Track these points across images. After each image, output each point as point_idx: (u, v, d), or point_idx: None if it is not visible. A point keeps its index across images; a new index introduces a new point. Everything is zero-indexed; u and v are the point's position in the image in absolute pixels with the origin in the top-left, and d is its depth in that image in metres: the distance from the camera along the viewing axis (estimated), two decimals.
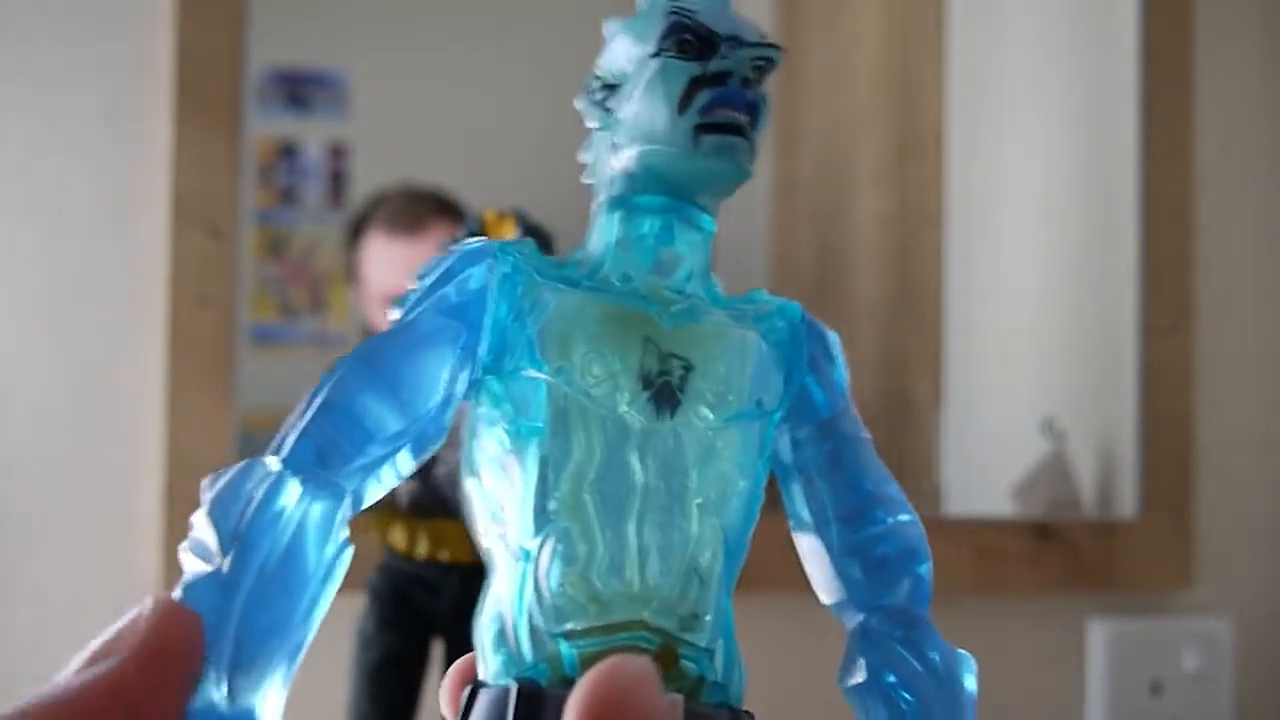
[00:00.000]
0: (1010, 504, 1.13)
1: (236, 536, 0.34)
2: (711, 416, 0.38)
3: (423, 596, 0.72)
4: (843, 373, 0.42)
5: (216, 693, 0.33)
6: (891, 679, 0.38)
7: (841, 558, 0.40)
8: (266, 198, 1.13)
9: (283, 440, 0.36)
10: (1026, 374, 1.20)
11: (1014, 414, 1.18)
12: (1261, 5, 1.16)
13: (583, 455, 0.37)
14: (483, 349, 0.38)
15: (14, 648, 0.92)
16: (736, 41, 0.39)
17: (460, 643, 0.72)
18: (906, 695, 0.38)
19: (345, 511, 0.36)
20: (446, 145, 1.17)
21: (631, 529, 0.37)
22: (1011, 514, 1.11)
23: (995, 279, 1.21)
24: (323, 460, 0.36)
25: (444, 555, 0.70)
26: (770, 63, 0.40)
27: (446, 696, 0.38)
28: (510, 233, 0.68)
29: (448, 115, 1.18)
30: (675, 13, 0.39)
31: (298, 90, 1.14)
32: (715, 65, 0.39)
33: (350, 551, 0.36)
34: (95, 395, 0.94)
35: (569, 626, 0.35)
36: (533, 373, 0.38)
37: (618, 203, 0.40)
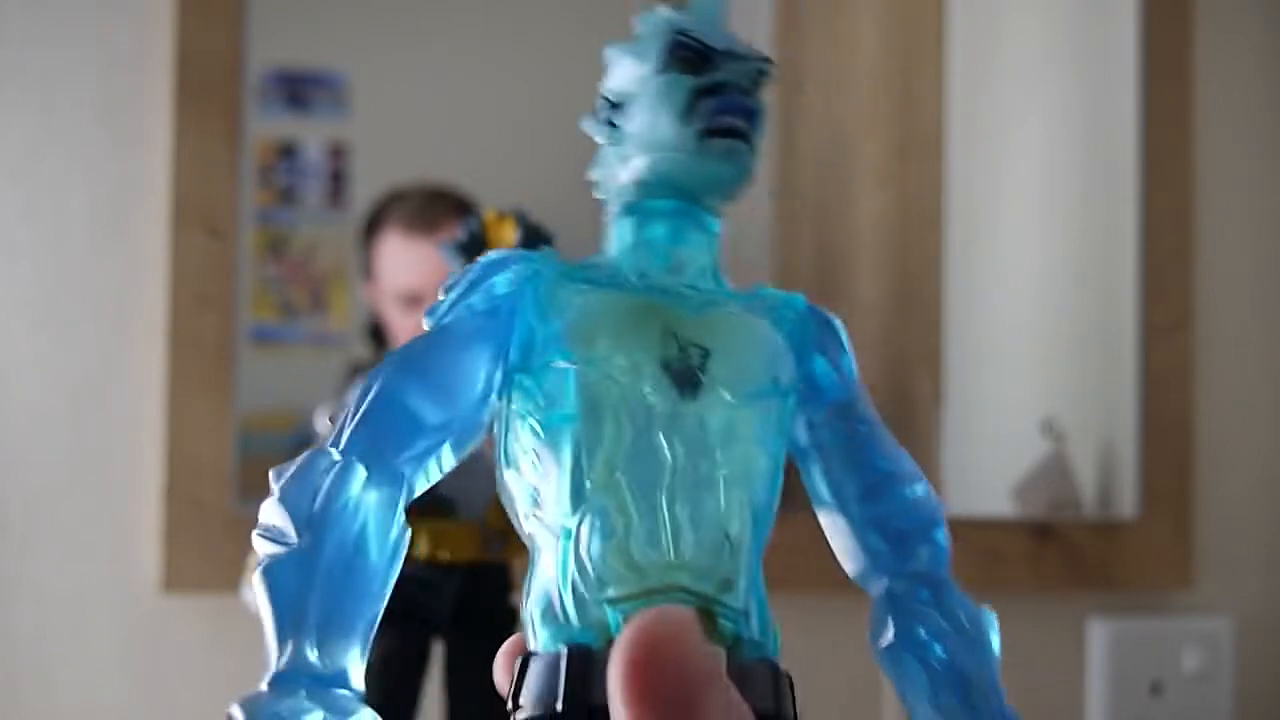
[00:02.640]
0: (1010, 504, 1.13)
1: (311, 520, 0.37)
2: (730, 397, 0.41)
3: (423, 596, 0.72)
4: (850, 357, 0.46)
5: (310, 654, 0.36)
6: (922, 637, 0.42)
7: (863, 530, 0.44)
8: (266, 198, 1.13)
9: (339, 433, 0.39)
10: (1026, 374, 1.20)
11: (1014, 414, 1.18)
12: (1262, 5, 1.16)
13: (613, 438, 0.40)
14: (513, 348, 0.41)
15: (14, 648, 0.92)
16: (732, 55, 0.43)
17: (460, 643, 0.72)
18: (938, 652, 0.41)
19: (404, 498, 0.39)
20: (446, 145, 1.17)
21: (663, 503, 0.39)
22: (1011, 514, 1.11)
23: (995, 279, 1.21)
24: (377, 451, 0.39)
25: (444, 555, 0.70)
26: (764, 74, 0.43)
27: (500, 673, 0.41)
28: (510, 233, 0.68)
29: (448, 115, 1.18)
30: (675, 32, 0.44)
31: (298, 90, 1.14)
32: (715, 77, 0.43)
33: (409, 534, 0.39)
34: (95, 395, 0.94)
35: (611, 593, 0.38)
36: (561, 363, 0.40)
37: (630, 209, 0.44)
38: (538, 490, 0.40)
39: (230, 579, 0.87)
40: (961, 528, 1.14)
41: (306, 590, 0.36)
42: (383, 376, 0.40)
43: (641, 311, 0.42)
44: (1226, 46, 1.14)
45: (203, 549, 0.91)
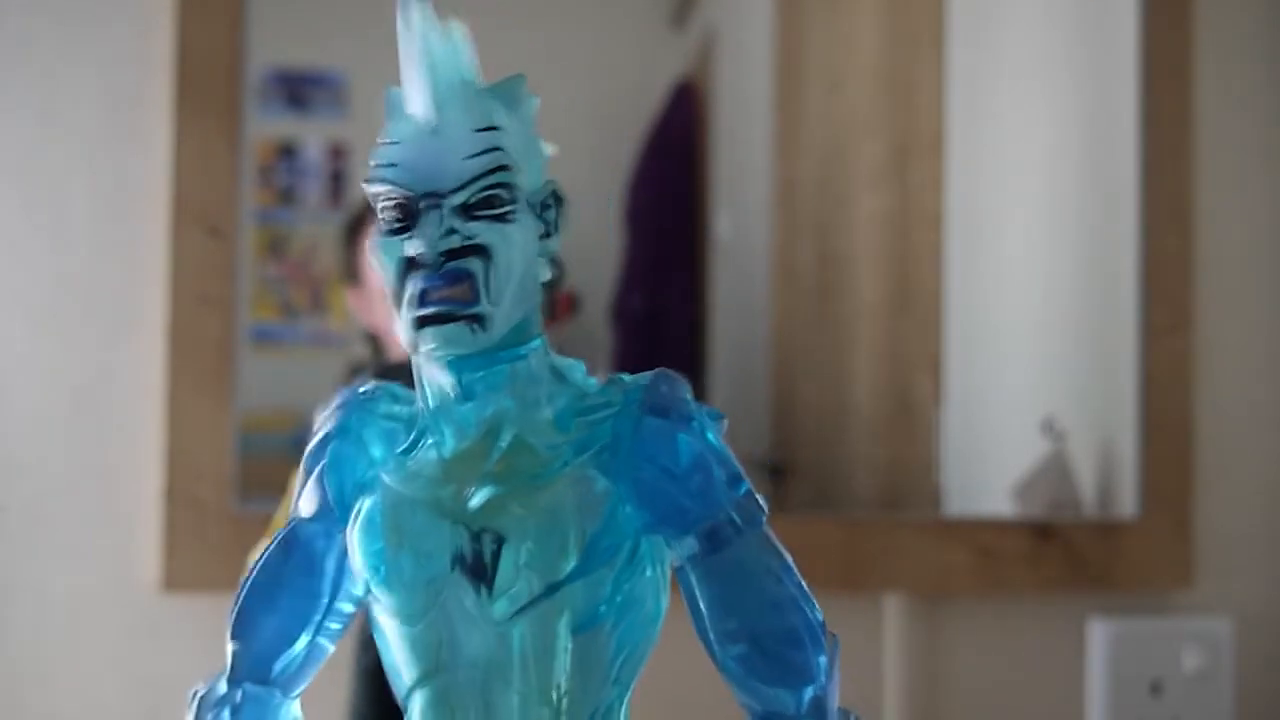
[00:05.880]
0: (1010, 504, 1.13)
1: None
2: (529, 587, 0.40)
3: None
4: (692, 459, 0.42)
5: None
6: None
7: (726, 670, 0.42)
8: (266, 198, 1.13)
9: (227, 663, 0.45)
10: (1026, 374, 1.20)
11: (1014, 414, 1.18)
12: (1262, 5, 1.16)
13: (419, 631, 0.41)
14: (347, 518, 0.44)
15: (14, 648, 0.92)
16: (434, 197, 0.39)
17: None
18: None
19: (275, 704, 0.45)
20: None
21: (465, 694, 0.40)
22: (1011, 514, 1.11)
23: (995, 279, 1.21)
24: (258, 670, 0.45)
25: None
26: (491, 185, 0.40)
27: None
28: None
29: None
30: (371, 177, 0.40)
31: (298, 90, 1.14)
32: (411, 246, 0.39)
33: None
34: (95, 395, 0.94)
35: None
36: (366, 566, 0.42)
37: (417, 358, 0.42)
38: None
39: (230, 578, 0.86)
40: (961, 528, 1.15)
41: None
42: (241, 604, 0.45)
43: (430, 507, 0.41)
44: (1227, 46, 1.14)
45: (203, 549, 0.91)
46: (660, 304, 1.22)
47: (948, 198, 1.18)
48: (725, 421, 0.43)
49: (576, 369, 0.44)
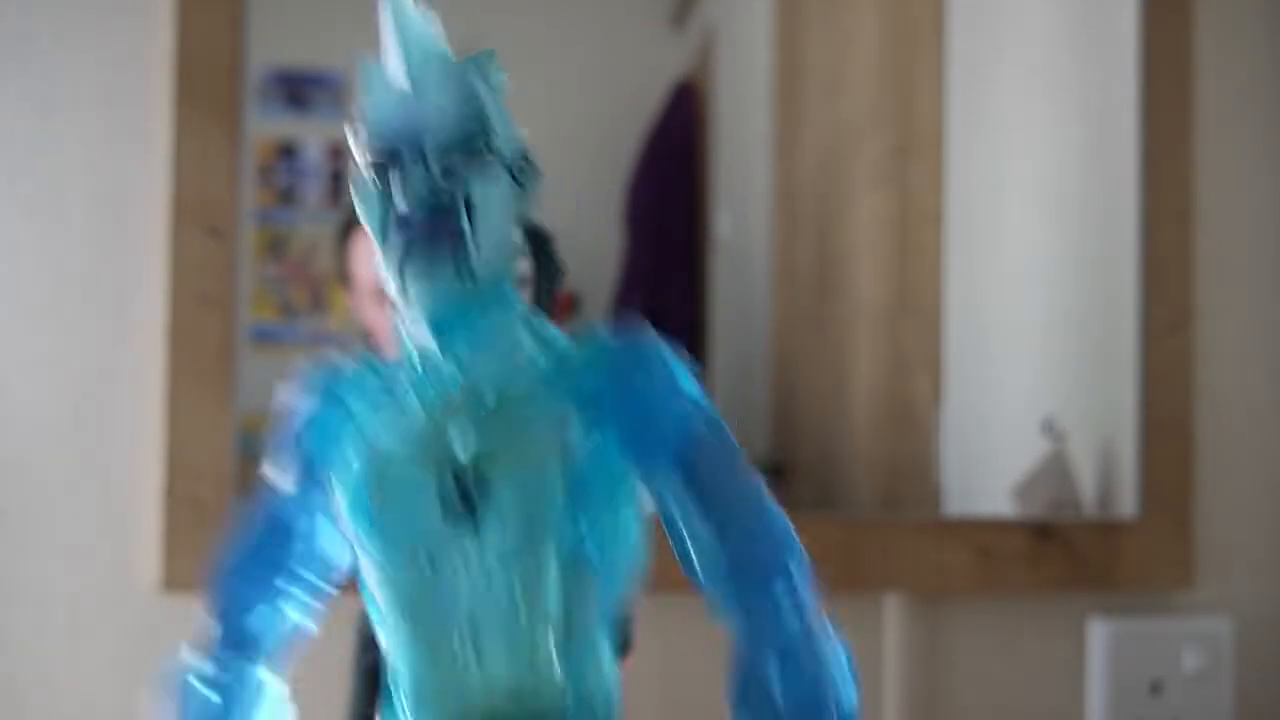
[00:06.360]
0: (1010, 504, 1.13)
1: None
2: (516, 530, 0.42)
3: None
4: (674, 393, 0.44)
5: None
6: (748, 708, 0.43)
7: (705, 579, 0.44)
8: (266, 198, 1.13)
9: (207, 635, 0.46)
10: (1026, 374, 1.20)
11: (1014, 414, 1.18)
12: (1263, 5, 1.16)
13: (408, 582, 0.43)
14: (329, 486, 0.46)
15: (14, 648, 0.92)
16: (416, 154, 0.42)
17: None
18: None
19: (251, 674, 0.47)
20: None
21: (456, 638, 0.42)
22: (1011, 514, 1.11)
23: (996, 278, 1.21)
24: (235, 641, 0.46)
25: None
26: (468, 141, 0.42)
27: None
28: None
29: None
30: (353, 137, 0.44)
31: (298, 90, 1.14)
32: (397, 198, 0.42)
33: (268, 690, 0.47)
34: (95, 395, 0.94)
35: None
36: (352, 526, 0.44)
37: (400, 320, 0.44)
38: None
39: None
40: (961, 528, 1.15)
41: None
42: (218, 576, 0.47)
43: (416, 451, 0.43)
44: (1227, 46, 1.14)
45: (203, 549, 0.91)
46: (660, 304, 1.22)
47: (948, 198, 1.18)
48: (698, 371, 0.46)
49: (551, 327, 0.46)
